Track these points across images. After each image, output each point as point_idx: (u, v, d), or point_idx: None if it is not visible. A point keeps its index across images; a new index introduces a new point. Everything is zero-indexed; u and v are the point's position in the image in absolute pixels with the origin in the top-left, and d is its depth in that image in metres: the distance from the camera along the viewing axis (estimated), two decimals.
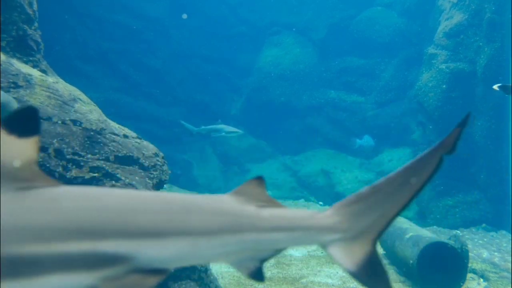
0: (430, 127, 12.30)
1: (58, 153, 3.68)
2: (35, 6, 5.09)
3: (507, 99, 11.83)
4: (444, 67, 12.11)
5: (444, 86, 12.02)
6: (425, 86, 12.63)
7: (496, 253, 8.70)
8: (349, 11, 18.04)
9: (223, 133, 12.62)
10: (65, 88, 4.56)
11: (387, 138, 15.60)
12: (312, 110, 17.48)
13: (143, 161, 4.34)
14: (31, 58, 4.76)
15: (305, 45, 18.31)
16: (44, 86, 4.11)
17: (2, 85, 3.72)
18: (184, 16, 17.15)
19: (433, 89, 12.29)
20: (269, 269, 7.74)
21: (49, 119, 3.81)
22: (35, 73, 4.33)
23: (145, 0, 17.16)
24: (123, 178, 3.99)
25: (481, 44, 11.56)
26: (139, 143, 4.55)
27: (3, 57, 4.16)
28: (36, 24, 5.09)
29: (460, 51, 12.05)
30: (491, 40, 11.36)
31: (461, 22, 12.00)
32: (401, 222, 8.26)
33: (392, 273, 7.61)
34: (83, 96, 4.85)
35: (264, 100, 17.63)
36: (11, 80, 3.81)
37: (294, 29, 18.51)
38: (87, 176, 3.74)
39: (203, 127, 12.93)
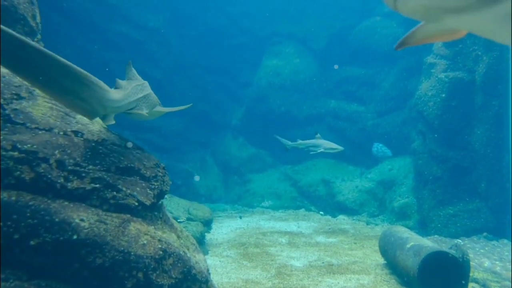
0: (436, 135, 12.31)
1: (60, 164, 3.70)
2: (38, 18, 5.15)
3: (507, 108, 11.86)
4: (443, 76, 12.16)
5: (443, 95, 12.06)
6: (424, 95, 12.68)
7: (497, 262, 8.68)
8: (349, 21, 18.16)
9: (322, 149, 11.54)
10: None
11: (387, 147, 15.63)
12: (313, 120, 17.54)
13: (144, 171, 4.36)
14: None
15: (305, 55, 18.42)
16: (47, 97, 4.14)
17: (5, 96, 3.76)
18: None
19: (433, 98, 12.33)
20: (269, 279, 7.73)
21: (50, 130, 3.84)
22: None
23: (146, 11, 17.29)
24: (124, 189, 4.01)
25: (479, 53, 11.61)
26: (140, 154, 4.57)
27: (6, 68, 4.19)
28: (39, 36, 5.14)
29: (459, 60, 12.11)
30: (489, 49, 11.41)
31: None
32: (402, 231, 8.26)
33: (393, 283, 7.60)
34: None
35: (265, 110, 17.70)
36: (14, 92, 3.85)
37: (294, 40, 18.62)
38: (88, 187, 3.76)
39: (299, 141, 12.00)
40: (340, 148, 11.54)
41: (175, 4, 18.27)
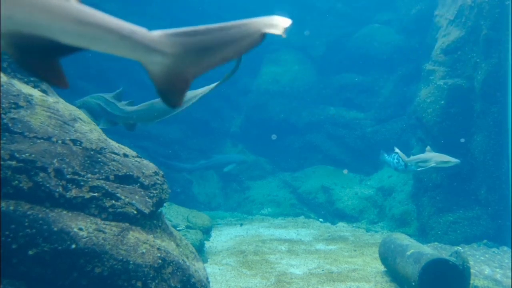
0: (435, 142, 12.28)
1: (58, 172, 3.69)
2: None
3: (506, 114, 11.87)
4: (442, 83, 12.18)
5: (442, 102, 12.07)
6: (423, 102, 12.69)
7: (498, 270, 8.64)
8: (348, 28, 18.20)
9: (433, 164, 10.24)
10: (65, 107, 4.59)
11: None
12: (312, 127, 17.53)
13: (143, 180, 4.35)
14: (32, 79, 4.81)
15: (304, 62, 18.44)
16: (45, 106, 4.14)
17: (3, 105, 3.75)
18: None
19: (432, 105, 12.34)
20: (269, 287, 7.69)
21: (49, 139, 3.83)
22: (36, 93, 4.37)
23: (145, 19, 17.34)
24: (123, 197, 3.99)
25: (478, 60, 11.64)
26: (139, 162, 4.57)
27: (4, 78, 4.20)
28: None
29: (458, 67, 12.13)
30: (488, 56, 11.44)
31: (458, 38, 12.11)
32: (402, 238, 8.23)
33: None
34: (83, 116, 4.88)
35: (264, 117, 17.69)
36: (12, 101, 3.84)
37: (293, 47, 18.65)
38: (87, 196, 3.75)
39: (409, 158, 11.02)
40: (456, 160, 10.08)
41: (175, 12, 18.32)
